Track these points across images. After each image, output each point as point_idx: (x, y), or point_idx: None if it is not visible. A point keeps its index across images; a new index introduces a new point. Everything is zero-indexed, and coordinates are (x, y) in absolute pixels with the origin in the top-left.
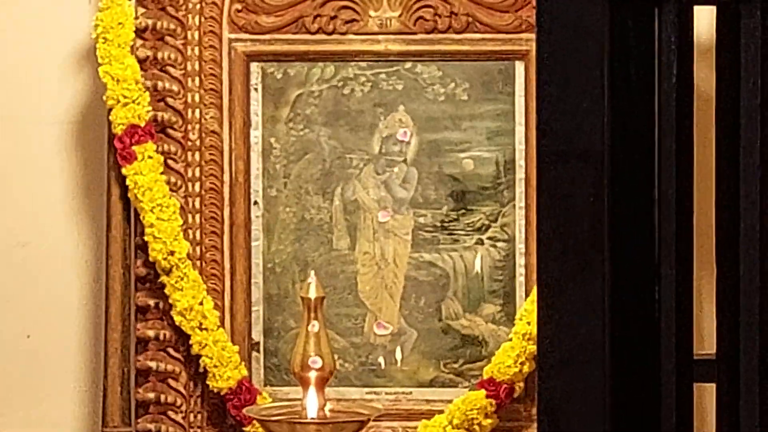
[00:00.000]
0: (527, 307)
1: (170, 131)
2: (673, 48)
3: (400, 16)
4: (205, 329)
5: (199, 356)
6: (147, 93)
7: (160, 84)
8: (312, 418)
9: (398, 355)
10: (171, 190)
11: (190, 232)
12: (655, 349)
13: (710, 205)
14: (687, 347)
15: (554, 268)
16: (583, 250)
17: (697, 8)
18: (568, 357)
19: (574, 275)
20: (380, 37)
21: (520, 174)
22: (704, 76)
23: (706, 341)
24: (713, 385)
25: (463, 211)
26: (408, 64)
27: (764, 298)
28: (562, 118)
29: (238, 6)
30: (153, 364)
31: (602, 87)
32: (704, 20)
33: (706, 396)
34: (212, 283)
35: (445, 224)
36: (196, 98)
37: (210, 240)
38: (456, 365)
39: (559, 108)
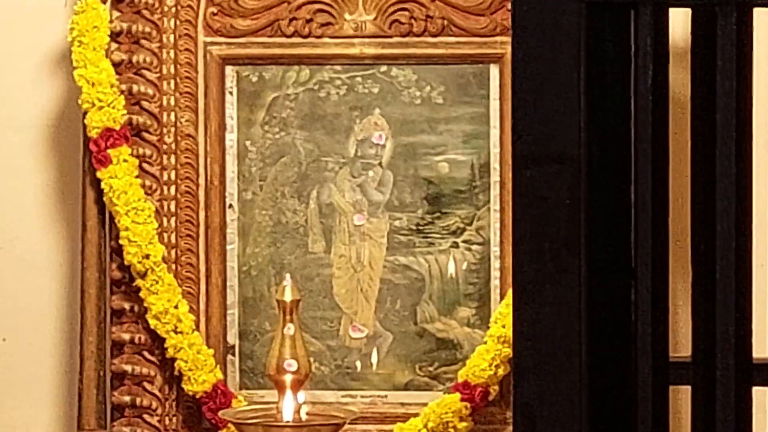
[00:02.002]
0: (502, 310)
1: (145, 134)
2: (648, 50)
3: (375, 19)
4: (180, 332)
5: (174, 359)
6: (122, 96)
7: (135, 87)
8: (287, 422)
9: (374, 359)
10: (146, 193)
11: (166, 235)
12: (631, 351)
13: (686, 208)
14: (663, 349)
15: (530, 270)
16: (558, 253)
17: (672, 10)
18: (543, 359)
19: (549, 278)
20: (355, 40)
21: (495, 177)
22: (680, 79)
23: (681, 344)
24: (689, 388)
25: (439, 214)
26: (383, 68)
27: (739, 301)
28: (538, 120)
29: (214, 9)
30: (128, 368)
31: (578, 89)
32: (680, 22)
33: (682, 398)
34: (187, 287)
35: (421, 227)
36: (172, 101)
37: (185, 243)
38: (431, 368)
39: (534, 111)
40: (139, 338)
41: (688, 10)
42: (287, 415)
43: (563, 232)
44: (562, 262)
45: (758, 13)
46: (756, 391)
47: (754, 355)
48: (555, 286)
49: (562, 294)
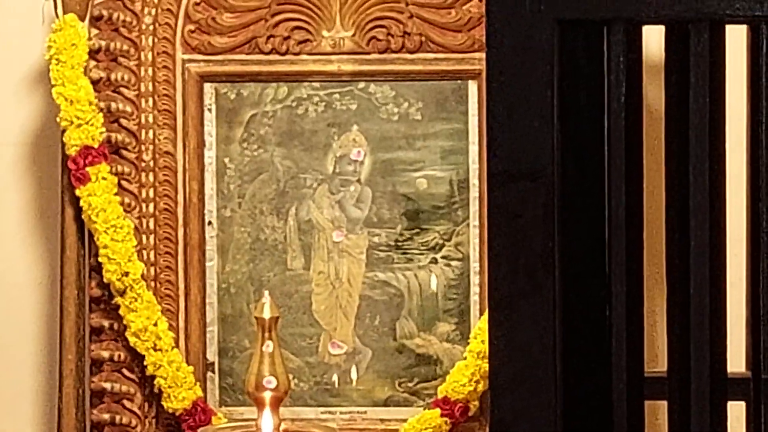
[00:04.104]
0: (481, 326)
1: (124, 152)
2: (621, 67)
3: (353, 35)
4: (160, 350)
5: (153, 377)
6: (100, 114)
7: (113, 105)
8: None
9: (353, 375)
10: (125, 211)
11: (145, 252)
12: (607, 366)
13: (661, 223)
14: (638, 365)
15: (505, 286)
16: (533, 269)
17: (645, 28)
18: (519, 375)
19: (524, 294)
20: (333, 57)
21: (473, 193)
22: (654, 95)
23: (660, 359)
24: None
25: (417, 230)
26: (361, 84)
27: (714, 316)
28: (512, 137)
29: (192, 27)
30: (108, 385)
31: (551, 106)
32: (654, 39)
33: (660, 413)
34: (167, 304)
35: (400, 243)
36: (150, 119)
37: (164, 260)
38: (411, 384)
39: (508, 128)
40: (119, 356)
41: (662, 27)
42: None
43: (538, 248)
44: (537, 279)
45: (731, 30)
46: (732, 405)
47: (729, 369)
48: (530, 303)
49: (537, 310)
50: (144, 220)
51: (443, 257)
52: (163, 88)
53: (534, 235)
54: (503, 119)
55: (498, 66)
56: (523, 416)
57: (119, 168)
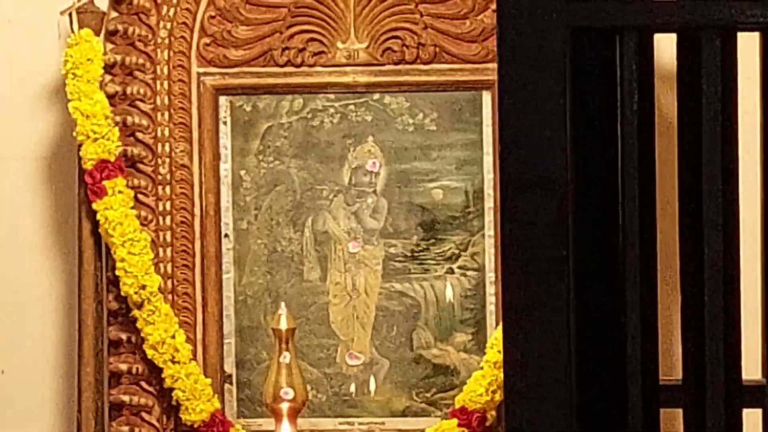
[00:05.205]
0: (498, 336)
1: (140, 166)
2: (634, 75)
3: (367, 47)
4: (178, 362)
5: (172, 389)
6: (116, 128)
7: (129, 119)
8: None
9: (371, 385)
10: (142, 224)
11: (162, 265)
12: (622, 374)
13: (674, 231)
14: (653, 373)
15: (519, 295)
16: (547, 278)
17: (657, 36)
18: (534, 383)
19: (538, 302)
20: (348, 68)
21: (489, 203)
22: (667, 102)
23: (676, 368)
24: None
25: (433, 240)
26: (376, 95)
27: (728, 323)
28: (525, 146)
29: (207, 40)
30: (126, 398)
31: (564, 115)
32: (666, 47)
33: (677, 421)
34: (184, 316)
35: (416, 254)
36: (166, 132)
37: (181, 273)
38: (428, 394)
39: (521, 137)
40: (137, 368)
41: (674, 35)
42: None
43: (551, 256)
44: (550, 287)
45: (742, 37)
46: (747, 412)
47: (744, 376)
48: (544, 311)
49: (551, 318)
50: (161, 233)
51: (459, 267)
52: (179, 102)
53: (547, 243)
54: (516, 128)
55: (510, 75)
56: (538, 425)
57: (136, 181)
